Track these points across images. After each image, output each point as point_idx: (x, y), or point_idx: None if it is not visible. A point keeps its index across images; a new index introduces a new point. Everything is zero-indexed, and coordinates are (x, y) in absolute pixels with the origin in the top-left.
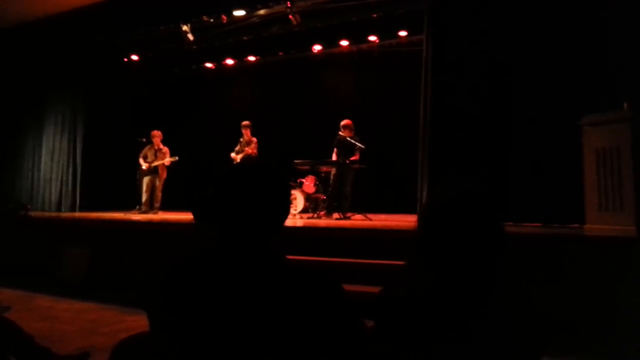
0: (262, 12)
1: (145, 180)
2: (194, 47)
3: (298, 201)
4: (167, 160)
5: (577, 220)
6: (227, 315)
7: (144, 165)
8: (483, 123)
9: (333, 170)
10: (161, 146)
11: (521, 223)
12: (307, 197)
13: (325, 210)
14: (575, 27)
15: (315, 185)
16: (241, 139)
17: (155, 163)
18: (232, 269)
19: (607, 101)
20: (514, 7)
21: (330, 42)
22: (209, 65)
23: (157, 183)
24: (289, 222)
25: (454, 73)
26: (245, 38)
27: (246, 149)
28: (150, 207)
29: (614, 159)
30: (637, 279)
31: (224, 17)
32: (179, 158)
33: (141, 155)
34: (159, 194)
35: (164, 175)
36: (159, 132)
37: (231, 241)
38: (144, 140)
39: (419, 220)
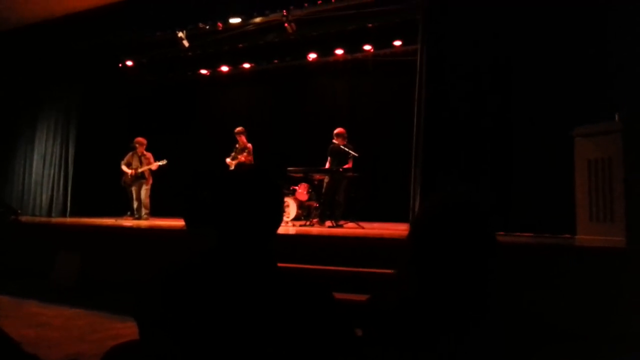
0: (257, 20)
1: (134, 187)
2: (190, 53)
3: (291, 209)
4: (155, 164)
5: (567, 231)
6: (220, 322)
7: (130, 172)
8: (476, 132)
9: (326, 178)
10: (145, 152)
11: (513, 232)
12: (300, 205)
13: (318, 218)
14: (572, 38)
15: (308, 192)
16: (237, 145)
17: (142, 169)
18: (225, 277)
19: (600, 112)
20: (508, 18)
21: (325, 50)
22: (204, 71)
23: (145, 189)
24: (281, 229)
25: (448, 83)
26: (240, 45)
27: (240, 156)
28: (140, 213)
29: (605, 170)
30: (628, 288)
31: (220, 24)
32: (171, 163)
33: (124, 162)
34: (147, 200)
35: (151, 180)
36: (144, 140)
37: (224, 248)
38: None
39: (411, 230)
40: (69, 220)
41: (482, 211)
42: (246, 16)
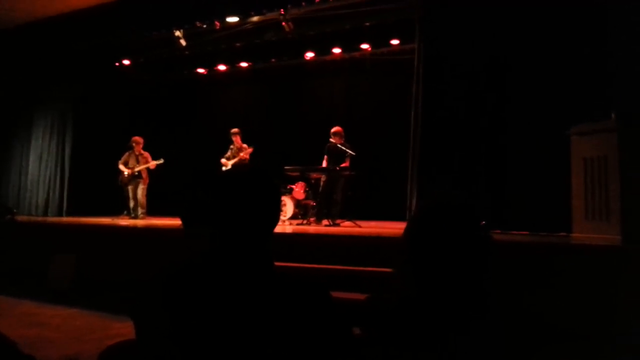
0: (255, 18)
1: (131, 186)
2: (187, 52)
3: (288, 207)
4: (152, 163)
5: (563, 229)
6: (218, 322)
7: (127, 172)
8: (473, 131)
9: (323, 177)
10: (142, 151)
11: (508, 231)
12: (297, 204)
13: (315, 217)
14: (568, 37)
15: (305, 191)
16: (232, 146)
17: (139, 168)
18: (222, 277)
19: (596, 111)
20: (505, 18)
21: (322, 49)
22: (201, 70)
23: (141, 188)
24: (278, 228)
25: (444, 81)
26: (238, 44)
27: (241, 154)
28: (137, 213)
29: (601, 168)
30: (625, 287)
31: (217, 23)
32: (168, 162)
33: (121, 162)
34: (143, 200)
35: (147, 179)
36: (141, 139)
37: (222, 248)
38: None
39: (406, 230)
40: (65, 219)
41: (474, 210)
42: (244, 15)
